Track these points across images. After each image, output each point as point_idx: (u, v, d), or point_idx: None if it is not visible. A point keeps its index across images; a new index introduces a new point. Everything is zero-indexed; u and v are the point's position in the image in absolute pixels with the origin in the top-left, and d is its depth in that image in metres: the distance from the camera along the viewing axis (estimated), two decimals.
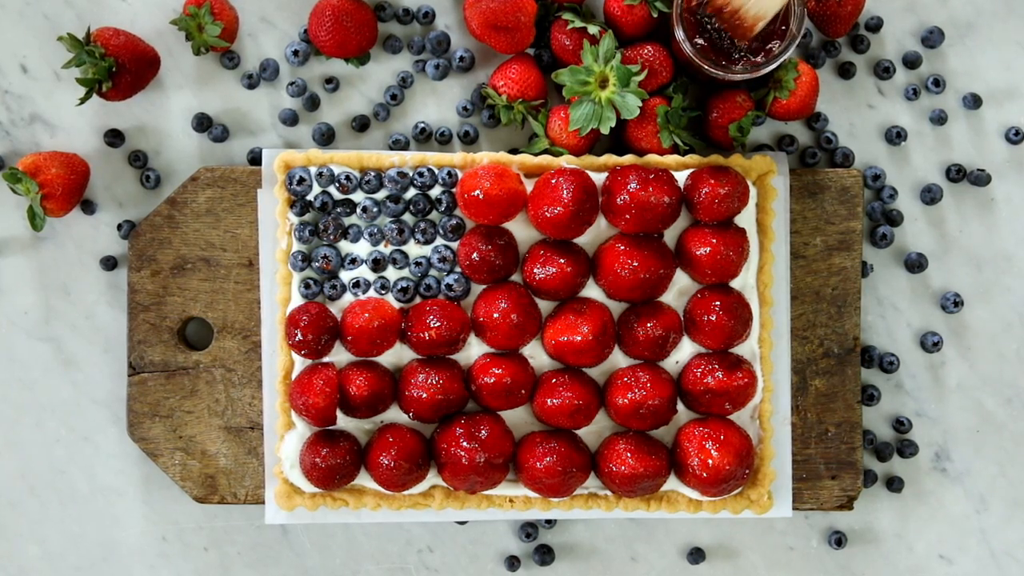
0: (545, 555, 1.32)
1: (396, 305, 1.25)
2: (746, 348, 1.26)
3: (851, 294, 1.30)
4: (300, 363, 1.25)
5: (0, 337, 1.32)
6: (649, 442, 1.24)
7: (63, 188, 1.26)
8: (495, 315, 1.22)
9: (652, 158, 1.26)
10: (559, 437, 1.24)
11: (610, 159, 1.26)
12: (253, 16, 1.32)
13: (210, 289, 1.29)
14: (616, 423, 1.26)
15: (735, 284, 1.26)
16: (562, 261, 1.23)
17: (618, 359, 1.27)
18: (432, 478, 1.25)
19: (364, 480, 1.25)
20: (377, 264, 1.25)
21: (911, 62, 1.33)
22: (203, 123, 1.31)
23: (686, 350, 1.27)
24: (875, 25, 1.33)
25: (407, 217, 1.26)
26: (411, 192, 1.25)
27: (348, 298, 1.26)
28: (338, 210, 1.25)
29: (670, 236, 1.26)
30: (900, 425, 1.33)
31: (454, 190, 1.25)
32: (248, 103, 1.32)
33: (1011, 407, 1.34)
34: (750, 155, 1.28)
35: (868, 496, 1.33)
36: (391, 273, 1.26)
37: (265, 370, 1.28)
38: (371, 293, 1.26)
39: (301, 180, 1.24)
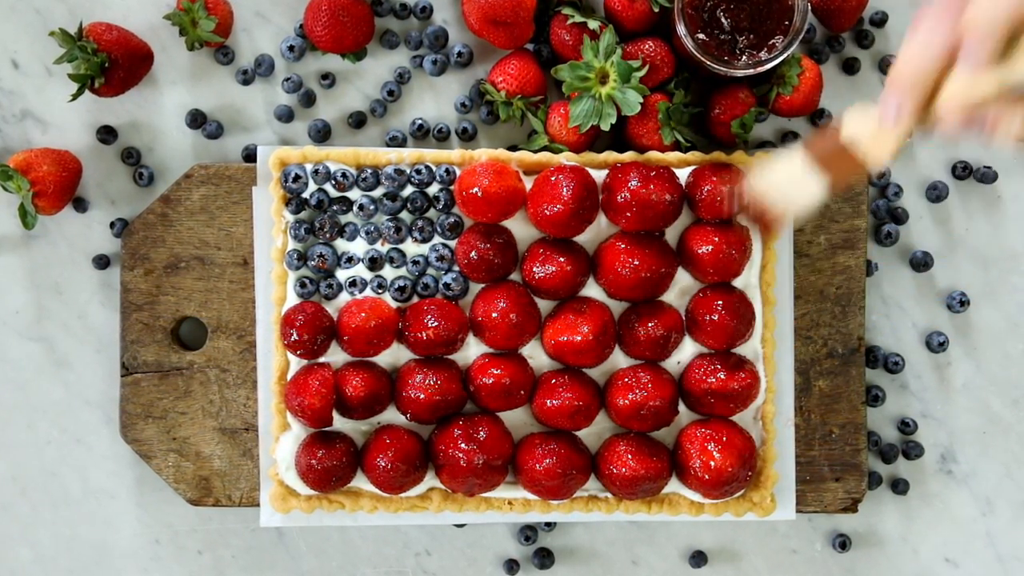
0: (544, 558, 1.31)
1: (393, 304, 1.24)
2: (749, 348, 1.25)
3: (855, 293, 1.29)
4: (296, 363, 1.24)
5: None
6: (650, 444, 1.23)
7: (55, 186, 1.25)
8: (494, 315, 1.21)
9: (653, 155, 1.25)
10: (559, 439, 1.23)
11: (610, 156, 1.25)
12: (248, 11, 1.31)
13: (204, 288, 1.28)
14: (617, 424, 1.25)
15: (737, 283, 1.25)
16: (562, 260, 1.22)
17: (619, 359, 1.26)
18: (430, 480, 1.24)
19: (361, 482, 1.24)
20: (374, 263, 1.24)
21: None
22: (197, 119, 1.30)
23: (688, 350, 1.26)
24: (880, 20, 1.32)
25: (404, 215, 1.25)
26: (408, 190, 1.24)
27: (344, 297, 1.25)
28: (334, 208, 1.24)
29: (671, 234, 1.25)
30: (905, 426, 1.32)
31: (452, 188, 1.24)
32: (243, 99, 1.31)
33: (1018, 408, 1.33)
34: (753, 152, 1.27)
35: (873, 498, 1.32)
36: (388, 272, 1.25)
37: (260, 371, 1.27)
38: (368, 292, 1.24)
39: (297, 177, 1.23)
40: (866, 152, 0.89)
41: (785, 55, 1.19)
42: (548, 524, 1.31)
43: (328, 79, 1.31)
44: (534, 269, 1.23)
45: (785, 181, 0.97)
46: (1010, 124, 0.82)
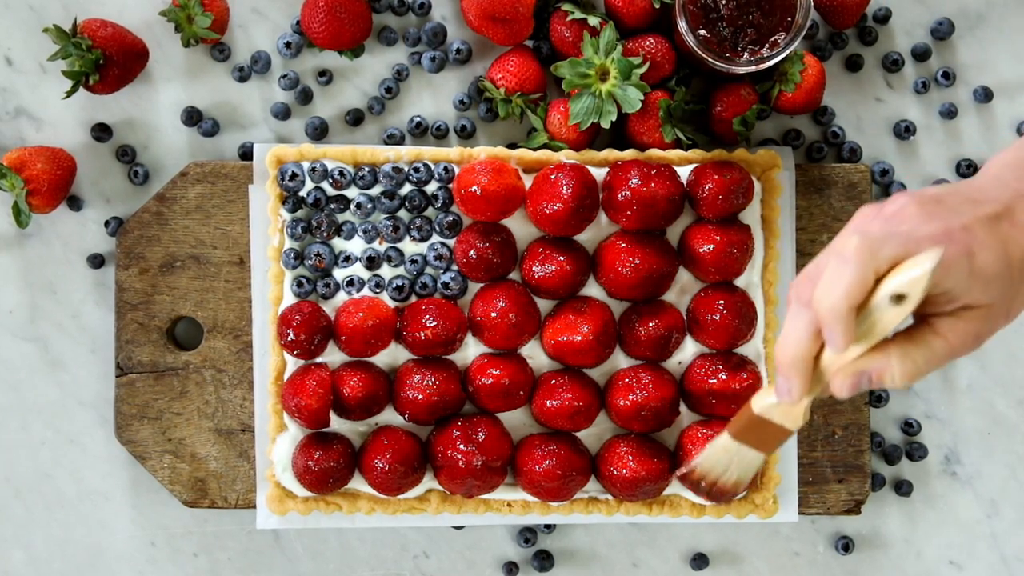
0: (544, 561, 1.30)
1: (391, 304, 1.23)
2: (751, 348, 1.24)
3: None
4: (292, 364, 1.23)
5: None
6: (651, 445, 1.22)
7: (49, 184, 1.24)
8: (493, 314, 1.20)
9: (654, 153, 1.23)
10: (559, 440, 1.22)
11: (611, 154, 1.24)
12: (244, 7, 1.30)
13: (200, 288, 1.27)
14: (617, 425, 1.24)
15: (739, 282, 1.24)
16: (562, 259, 1.20)
17: (619, 359, 1.25)
18: (428, 482, 1.23)
19: (358, 484, 1.23)
20: (372, 262, 1.23)
21: (920, 54, 1.31)
22: (193, 117, 1.29)
23: (689, 350, 1.25)
24: (883, 16, 1.30)
25: (402, 214, 1.24)
26: (406, 188, 1.23)
27: (342, 297, 1.23)
28: (331, 206, 1.23)
29: (672, 233, 1.24)
30: (909, 427, 1.30)
31: (451, 186, 1.23)
32: (239, 96, 1.30)
33: (1023, 409, 1.31)
34: (754, 150, 1.26)
35: (876, 500, 1.31)
36: (386, 271, 1.24)
37: (256, 371, 1.25)
38: (365, 292, 1.23)
39: (293, 175, 1.22)
40: (781, 421, 0.97)
41: (787, 52, 1.18)
42: (548, 526, 1.30)
43: (325, 76, 1.29)
44: (533, 268, 1.21)
45: (724, 459, 1.04)
46: (891, 374, 0.90)
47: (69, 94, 1.23)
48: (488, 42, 1.29)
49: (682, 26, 1.18)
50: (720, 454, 1.04)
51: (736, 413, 1.02)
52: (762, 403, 0.97)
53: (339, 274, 1.24)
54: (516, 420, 1.25)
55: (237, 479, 1.26)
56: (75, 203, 1.29)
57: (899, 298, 0.86)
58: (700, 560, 1.31)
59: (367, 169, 1.22)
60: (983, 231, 0.88)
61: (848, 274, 0.86)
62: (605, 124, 1.23)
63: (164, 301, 1.26)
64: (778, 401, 0.95)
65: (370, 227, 1.23)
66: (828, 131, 1.30)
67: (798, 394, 0.92)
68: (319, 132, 1.29)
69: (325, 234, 1.23)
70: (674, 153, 1.23)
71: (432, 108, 1.30)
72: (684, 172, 1.23)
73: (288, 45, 1.28)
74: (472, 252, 1.21)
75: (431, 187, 1.23)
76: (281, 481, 1.22)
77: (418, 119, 1.29)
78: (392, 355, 1.24)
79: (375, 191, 1.23)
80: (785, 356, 0.91)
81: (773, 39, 1.19)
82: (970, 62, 1.31)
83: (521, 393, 1.22)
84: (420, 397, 1.20)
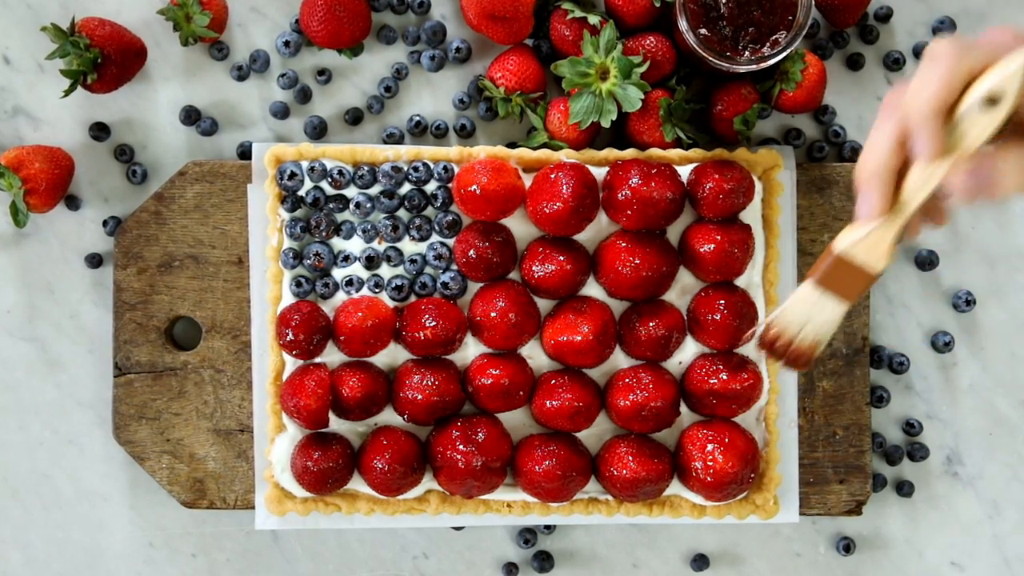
0: (544, 562, 1.30)
1: (390, 304, 1.23)
2: (751, 348, 1.23)
3: None
4: (291, 364, 1.22)
5: None
6: (651, 445, 1.22)
7: (47, 183, 1.23)
8: (492, 314, 1.20)
9: (654, 152, 1.23)
10: (558, 440, 1.21)
11: (611, 153, 1.23)
12: (243, 6, 1.29)
13: (198, 287, 1.26)
14: (617, 426, 1.24)
15: (740, 282, 1.23)
16: (561, 258, 1.20)
17: (619, 359, 1.24)
18: (427, 482, 1.23)
19: (357, 484, 1.22)
20: (371, 261, 1.22)
21: (922, 53, 1.30)
22: (191, 116, 1.29)
23: (689, 350, 1.24)
24: (885, 15, 1.30)
25: (402, 213, 1.23)
26: (406, 187, 1.23)
27: (341, 296, 1.23)
28: (330, 206, 1.23)
29: (673, 233, 1.24)
30: (910, 428, 1.30)
31: (450, 185, 1.22)
32: (238, 95, 1.29)
33: None
34: (755, 149, 1.25)
35: (877, 501, 1.31)
36: (385, 271, 1.23)
37: (255, 371, 1.25)
38: (364, 291, 1.23)
39: (292, 175, 1.21)
40: (864, 261, 0.94)
41: (788, 51, 1.18)
42: (547, 527, 1.29)
43: (324, 75, 1.29)
44: (533, 268, 1.21)
45: (802, 312, 1.00)
46: (1006, 168, 0.86)
47: (67, 93, 1.22)
48: (488, 41, 1.28)
49: (683, 25, 1.18)
50: (799, 306, 1.00)
51: (817, 261, 0.99)
52: (844, 242, 0.94)
53: (338, 274, 1.23)
54: (516, 420, 1.24)
55: (236, 480, 1.26)
56: (73, 202, 1.29)
57: (991, 101, 0.82)
58: (700, 561, 1.30)
59: (366, 168, 1.22)
60: None
61: (938, 73, 0.83)
62: (605, 123, 1.22)
63: (162, 301, 1.26)
64: (862, 228, 0.91)
65: (369, 227, 1.23)
66: (829, 130, 1.30)
67: (878, 208, 0.89)
68: (318, 131, 1.29)
69: (324, 233, 1.22)
70: (674, 152, 1.23)
71: (431, 107, 1.30)
72: (684, 171, 1.22)
73: (287, 44, 1.27)
74: (472, 252, 1.20)
75: (430, 186, 1.23)
76: (280, 482, 1.22)
77: (417, 118, 1.29)
78: (391, 355, 1.23)
79: (374, 190, 1.23)
80: (866, 167, 0.89)
81: (774, 38, 1.18)
82: None
83: (521, 393, 1.21)
84: (420, 397, 1.19)
